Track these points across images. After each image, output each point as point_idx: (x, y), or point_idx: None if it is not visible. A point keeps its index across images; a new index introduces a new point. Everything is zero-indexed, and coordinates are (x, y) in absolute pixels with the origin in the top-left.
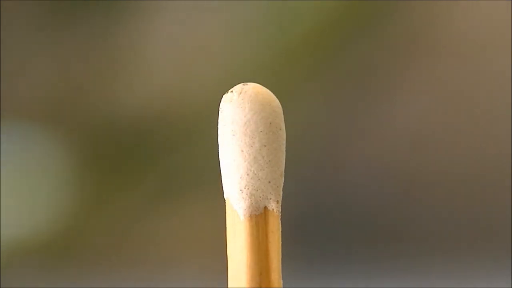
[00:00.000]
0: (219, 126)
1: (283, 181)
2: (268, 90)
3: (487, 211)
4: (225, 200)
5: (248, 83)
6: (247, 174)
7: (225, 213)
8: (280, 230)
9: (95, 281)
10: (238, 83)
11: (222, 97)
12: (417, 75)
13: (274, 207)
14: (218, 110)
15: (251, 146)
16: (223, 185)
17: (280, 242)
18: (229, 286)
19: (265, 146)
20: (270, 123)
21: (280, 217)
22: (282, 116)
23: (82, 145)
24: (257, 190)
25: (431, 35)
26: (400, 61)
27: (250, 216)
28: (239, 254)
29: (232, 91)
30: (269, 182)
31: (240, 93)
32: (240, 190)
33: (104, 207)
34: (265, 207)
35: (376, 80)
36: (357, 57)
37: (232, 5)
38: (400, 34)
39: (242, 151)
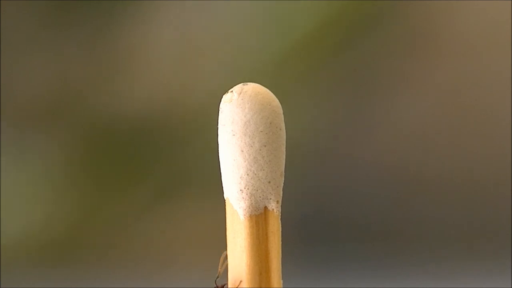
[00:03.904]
0: (219, 126)
1: (283, 181)
2: (268, 90)
3: (487, 211)
4: (225, 200)
5: (248, 83)
6: (247, 174)
7: (225, 213)
8: (280, 230)
9: (95, 281)
10: (238, 83)
11: (222, 97)
12: (417, 75)
13: (274, 207)
14: (218, 110)
15: (251, 146)
16: (223, 185)
17: (280, 242)
18: (229, 286)
19: (265, 146)
20: (270, 123)
21: (280, 217)
22: (282, 116)
23: (83, 144)
24: (257, 190)
25: (431, 35)
26: (401, 61)
27: (250, 216)
28: (239, 254)
29: (232, 91)
30: (269, 182)
31: (240, 93)
32: (240, 190)
33: (104, 207)
34: (265, 207)
35: (377, 80)
36: (358, 57)
37: (232, 5)
38: (400, 34)
39: (242, 151)
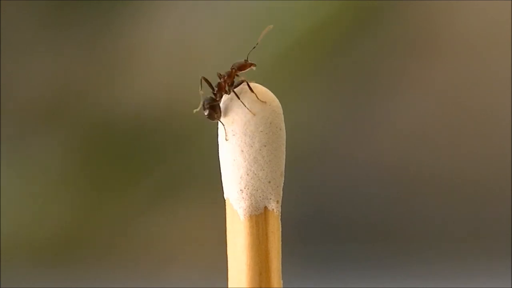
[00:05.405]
0: (219, 126)
1: (283, 181)
2: (268, 90)
3: (487, 211)
4: (225, 200)
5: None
6: (247, 174)
7: (225, 213)
8: (280, 230)
9: (95, 281)
10: None
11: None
12: (417, 75)
13: (274, 207)
14: None
15: (251, 146)
16: (223, 185)
17: (280, 242)
18: (229, 286)
19: (265, 146)
20: (270, 123)
21: (280, 217)
22: (282, 116)
23: (83, 144)
24: (257, 190)
25: (431, 35)
26: (400, 61)
27: (250, 216)
28: (239, 254)
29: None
30: (269, 182)
31: (240, 93)
32: (240, 190)
33: (104, 207)
34: (265, 207)
35: (377, 80)
36: (357, 57)
37: (232, 5)
38: (400, 34)
39: (242, 151)
